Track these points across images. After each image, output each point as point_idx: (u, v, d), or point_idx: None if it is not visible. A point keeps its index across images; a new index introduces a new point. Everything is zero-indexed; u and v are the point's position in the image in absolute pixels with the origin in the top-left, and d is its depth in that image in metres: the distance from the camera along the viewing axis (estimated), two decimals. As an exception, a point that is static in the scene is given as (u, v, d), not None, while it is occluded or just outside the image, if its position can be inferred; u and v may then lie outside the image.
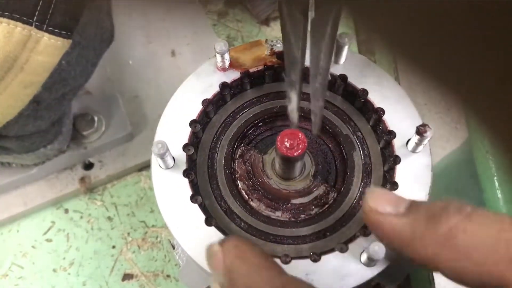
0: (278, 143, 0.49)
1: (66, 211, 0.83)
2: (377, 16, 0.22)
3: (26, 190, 0.81)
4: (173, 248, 0.61)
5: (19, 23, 0.57)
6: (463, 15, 0.19)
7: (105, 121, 0.83)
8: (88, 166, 0.84)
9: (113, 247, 0.81)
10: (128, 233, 0.82)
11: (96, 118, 0.82)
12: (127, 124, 0.83)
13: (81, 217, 0.83)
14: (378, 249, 0.45)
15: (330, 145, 0.58)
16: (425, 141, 0.51)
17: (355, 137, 0.57)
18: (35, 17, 0.58)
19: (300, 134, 0.49)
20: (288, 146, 0.48)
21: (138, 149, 0.85)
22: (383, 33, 0.23)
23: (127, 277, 0.80)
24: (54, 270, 0.80)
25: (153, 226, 0.82)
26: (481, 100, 0.24)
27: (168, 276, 0.80)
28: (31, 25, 0.57)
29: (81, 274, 0.80)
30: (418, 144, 0.52)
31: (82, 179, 0.82)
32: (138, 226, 0.83)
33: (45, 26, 0.58)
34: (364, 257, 0.47)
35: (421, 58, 0.23)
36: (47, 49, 0.60)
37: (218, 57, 0.57)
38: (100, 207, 0.84)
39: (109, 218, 0.83)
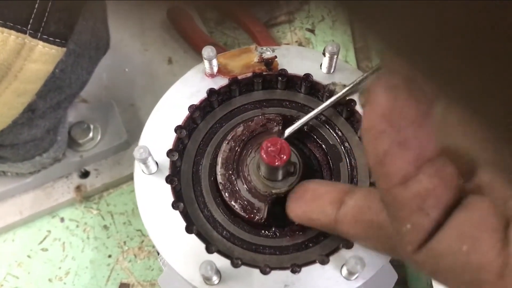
0: (262, 152, 0.48)
1: (62, 220, 0.83)
2: (375, 18, 0.21)
3: (21, 199, 0.81)
4: (158, 253, 0.61)
5: (13, 32, 0.57)
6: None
7: (101, 129, 0.83)
8: (84, 174, 0.83)
9: (109, 256, 0.81)
10: (125, 242, 0.81)
11: (92, 126, 0.82)
12: (123, 132, 0.83)
13: (77, 226, 0.82)
14: (359, 262, 0.44)
15: (317, 155, 0.57)
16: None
17: (342, 147, 0.56)
18: (29, 26, 0.57)
19: (283, 143, 0.48)
20: (271, 154, 0.48)
21: (134, 158, 0.84)
22: (380, 35, 0.22)
23: (123, 286, 0.79)
24: (50, 280, 0.79)
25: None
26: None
27: (164, 286, 0.79)
28: (25, 33, 0.57)
29: (77, 283, 0.79)
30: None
31: (78, 188, 0.82)
32: (135, 234, 0.82)
33: (39, 34, 0.58)
34: (345, 270, 0.46)
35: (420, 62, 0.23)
36: (41, 57, 0.59)
37: (206, 63, 0.56)
38: (96, 216, 0.83)
39: (105, 227, 0.82)
